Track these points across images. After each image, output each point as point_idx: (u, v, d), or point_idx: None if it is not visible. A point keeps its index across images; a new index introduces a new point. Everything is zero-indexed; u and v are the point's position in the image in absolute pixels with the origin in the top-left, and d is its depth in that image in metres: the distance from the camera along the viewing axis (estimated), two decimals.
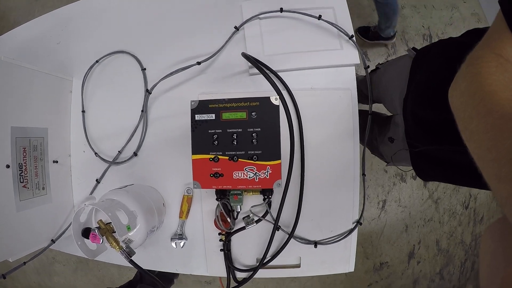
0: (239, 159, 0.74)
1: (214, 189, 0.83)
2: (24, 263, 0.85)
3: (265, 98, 0.74)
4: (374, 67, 1.19)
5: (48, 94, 0.99)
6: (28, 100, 0.89)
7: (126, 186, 0.93)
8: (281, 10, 0.91)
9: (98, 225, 0.74)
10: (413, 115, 0.81)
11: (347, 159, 0.87)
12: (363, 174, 0.89)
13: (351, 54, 0.89)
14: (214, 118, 0.77)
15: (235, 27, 0.94)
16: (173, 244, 0.97)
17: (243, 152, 0.74)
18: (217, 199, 0.85)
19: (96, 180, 1.01)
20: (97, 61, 1.06)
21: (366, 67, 0.91)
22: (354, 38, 0.89)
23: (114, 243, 0.72)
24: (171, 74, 0.92)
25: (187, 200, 0.94)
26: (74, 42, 1.11)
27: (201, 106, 0.78)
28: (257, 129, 0.74)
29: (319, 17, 0.89)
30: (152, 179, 0.99)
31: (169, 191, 0.97)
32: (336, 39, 0.90)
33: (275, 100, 0.74)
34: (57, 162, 0.99)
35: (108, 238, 0.72)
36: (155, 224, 0.89)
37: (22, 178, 0.86)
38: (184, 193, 0.95)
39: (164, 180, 0.98)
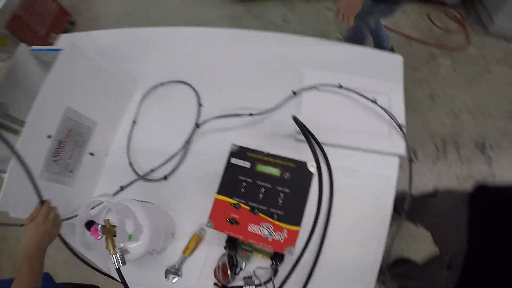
0: (259, 213, 0.73)
1: (225, 236, 0.81)
2: (22, 225, 0.85)
3: (302, 162, 0.75)
4: (432, 192, 1.16)
5: (110, 94, 1.11)
6: (91, 92, 1.02)
7: (146, 202, 0.95)
8: (340, 86, 0.95)
9: (103, 223, 0.75)
10: None
11: (369, 253, 0.82)
12: (383, 272, 0.82)
13: (398, 144, 0.88)
14: (248, 166, 0.78)
15: (294, 92, 0.99)
16: (166, 277, 0.94)
17: (265, 208, 0.73)
18: (225, 248, 0.83)
19: (121, 186, 1.05)
20: (162, 84, 1.17)
21: (410, 160, 0.89)
22: (404, 130, 0.89)
23: (111, 246, 0.72)
24: (223, 116, 0.97)
25: (197, 239, 0.93)
26: (146, 59, 1.26)
27: (240, 152, 0.80)
28: (286, 190, 0.74)
29: (375, 101, 0.91)
30: (172, 206, 0.99)
31: (183, 224, 0.97)
32: (385, 126, 0.91)
33: (311, 166, 0.75)
34: (93, 155, 1.06)
35: (107, 238, 0.73)
36: (157, 248, 0.89)
37: (56, 153, 0.93)
38: (196, 231, 0.94)
39: (182, 212, 0.98)
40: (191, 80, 1.16)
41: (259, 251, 0.81)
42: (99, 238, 0.74)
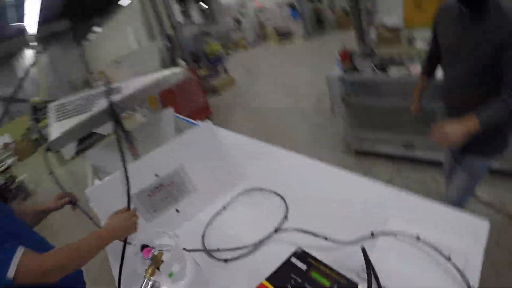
0: None
1: None
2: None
3: (354, 283, 0.72)
4: None
5: (217, 175, 1.45)
6: (205, 166, 1.42)
7: (198, 265, 1.00)
8: (418, 237, 0.91)
9: (156, 252, 0.86)
10: None
11: None
12: None
13: None
14: (304, 269, 0.79)
15: (372, 233, 0.99)
16: None
17: None
18: None
19: (184, 248, 1.10)
20: (261, 189, 1.38)
21: None
22: None
23: (150, 272, 0.82)
24: (301, 231, 1.06)
25: None
26: (259, 165, 1.59)
27: (302, 255, 0.83)
28: None
29: (449, 259, 0.83)
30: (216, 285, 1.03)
31: None
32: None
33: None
34: (178, 211, 1.32)
35: (151, 265, 0.84)
36: None
37: (153, 191, 1.29)
38: None
39: None
40: (285, 195, 1.34)
41: None
42: (147, 258, 0.85)
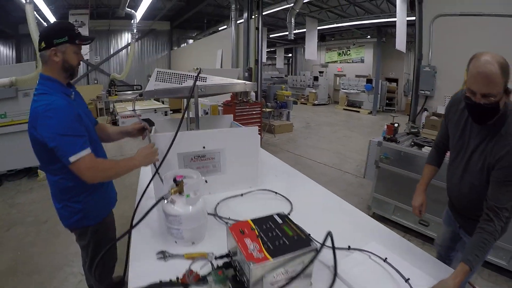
0: (259, 238, 0.99)
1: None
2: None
3: (310, 239, 1.00)
4: None
5: (243, 171, 1.80)
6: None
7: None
8: (385, 259, 1.17)
9: (181, 179, 1.25)
10: None
11: None
12: None
13: None
14: (280, 222, 1.08)
15: (349, 247, 1.27)
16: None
17: (265, 239, 0.99)
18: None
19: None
20: (276, 193, 1.67)
21: None
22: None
23: (173, 191, 1.23)
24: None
25: (202, 254, 1.20)
26: (276, 175, 1.85)
27: (284, 216, 1.13)
28: (285, 241, 0.97)
29: (407, 280, 1.07)
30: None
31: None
32: None
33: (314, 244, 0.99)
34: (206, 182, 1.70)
35: (176, 187, 1.24)
36: (186, 227, 1.25)
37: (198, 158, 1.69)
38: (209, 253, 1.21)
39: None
40: (294, 201, 1.70)
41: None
42: (177, 180, 1.24)
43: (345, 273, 1.11)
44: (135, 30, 11.05)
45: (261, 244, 0.95)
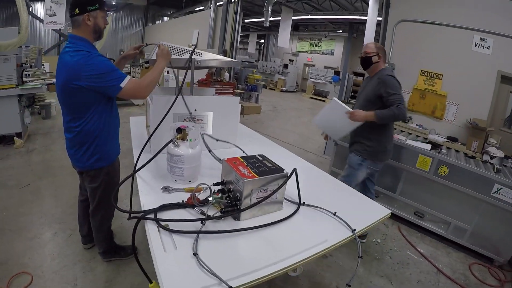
0: (248, 166, 1.35)
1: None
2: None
3: (283, 169, 1.39)
4: None
5: (225, 131, 2.06)
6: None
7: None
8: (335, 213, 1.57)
9: (185, 128, 1.58)
10: None
11: None
12: None
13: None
14: (260, 159, 1.47)
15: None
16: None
17: (252, 166, 1.37)
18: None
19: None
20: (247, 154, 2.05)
21: None
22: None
23: (179, 137, 1.56)
24: None
25: (199, 188, 1.53)
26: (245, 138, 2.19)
27: (263, 156, 1.51)
28: (267, 168, 1.37)
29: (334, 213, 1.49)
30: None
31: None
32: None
33: (284, 173, 1.38)
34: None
35: (180, 134, 1.56)
36: (186, 165, 1.59)
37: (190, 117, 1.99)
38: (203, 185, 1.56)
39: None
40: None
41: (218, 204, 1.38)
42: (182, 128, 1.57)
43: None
44: (113, 2, 10.76)
45: (250, 169, 1.34)
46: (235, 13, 8.05)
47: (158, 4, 15.93)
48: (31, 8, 12.95)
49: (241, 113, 8.33)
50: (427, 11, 4.04)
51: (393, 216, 3.43)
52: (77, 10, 1.68)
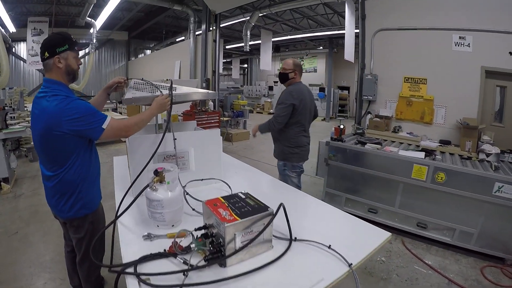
0: (229, 208, 1.26)
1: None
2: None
3: (268, 207, 1.30)
4: None
5: (207, 167, 1.99)
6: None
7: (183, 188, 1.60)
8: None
9: (162, 170, 1.49)
10: None
11: None
12: None
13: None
14: (243, 197, 1.37)
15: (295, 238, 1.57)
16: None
17: (233, 208, 1.28)
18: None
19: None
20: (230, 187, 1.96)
21: None
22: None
23: (155, 180, 1.46)
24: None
25: (182, 233, 1.42)
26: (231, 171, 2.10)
27: (246, 194, 1.42)
28: (249, 209, 1.26)
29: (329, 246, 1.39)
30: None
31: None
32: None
33: (270, 211, 1.29)
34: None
35: (157, 177, 1.46)
36: (165, 210, 1.49)
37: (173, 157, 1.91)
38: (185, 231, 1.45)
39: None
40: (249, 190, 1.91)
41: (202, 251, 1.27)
42: (159, 171, 1.48)
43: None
44: (94, 40, 10.89)
45: (231, 211, 1.24)
46: (214, 40, 8.15)
47: (139, 38, 16.15)
48: (14, 48, 13.04)
49: (230, 141, 8.42)
50: (403, 18, 4.11)
51: (395, 230, 3.35)
52: (46, 54, 1.64)
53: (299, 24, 12.20)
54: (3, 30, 9.56)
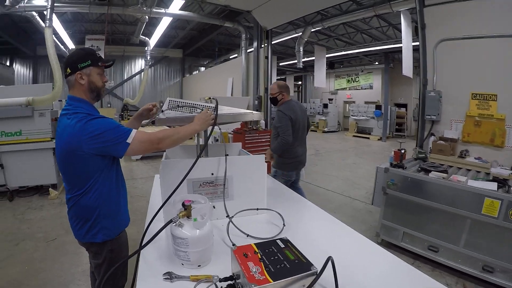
0: (261, 262, 1.02)
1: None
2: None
3: (310, 263, 1.03)
4: None
5: (249, 195, 1.78)
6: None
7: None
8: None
9: (190, 203, 1.31)
10: None
11: None
12: None
13: None
14: (282, 246, 1.12)
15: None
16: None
17: (267, 262, 1.04)
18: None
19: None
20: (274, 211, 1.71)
21: None
22: None
23: (181, 215, 1.28)
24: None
25: (207, 276, 1.21)
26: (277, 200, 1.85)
27: (286, 240, 1.16)
28: (287, 265, 1.00)
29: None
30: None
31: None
32: None
33: (312, 268, 1.01)
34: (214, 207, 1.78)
35: (183, 212, 1.28)
36: (193, 249, 1.30)
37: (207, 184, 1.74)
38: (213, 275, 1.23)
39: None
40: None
41: None
42: (186, 204, 1.30)
43: None
44: (148, 57, 11.52)
45: (263, 267, 0.99)
46: (266, 57, 8.06)
47: (194, 55, 16.79)
48: None
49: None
50: (468, 25, 3.58)
51: (457, 272, 2.89)
52: (68, 70, 1.54)
53: (353, 39, 11.75)
54: (62, 47, 10.50)
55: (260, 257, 1.05)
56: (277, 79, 8.53)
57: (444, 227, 2.92)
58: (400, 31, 5.44)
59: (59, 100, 5.99)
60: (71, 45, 11.06)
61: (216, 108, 1.76)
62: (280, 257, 1.06)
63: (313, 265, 1.03)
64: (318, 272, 1.00)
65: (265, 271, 0.97)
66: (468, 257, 2.82)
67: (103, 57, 1.65)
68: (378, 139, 12.70)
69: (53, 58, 4.86)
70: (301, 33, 8.73)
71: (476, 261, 2.77)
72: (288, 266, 1.01)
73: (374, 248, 1.61)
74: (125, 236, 1.83)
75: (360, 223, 4.11)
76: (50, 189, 4.94)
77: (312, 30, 8.62)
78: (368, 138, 13.06)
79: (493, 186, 2.72)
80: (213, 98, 1.92)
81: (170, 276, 1.25)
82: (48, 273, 2.88)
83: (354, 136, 13.78)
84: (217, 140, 6.81)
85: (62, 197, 4.94)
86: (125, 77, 15.99)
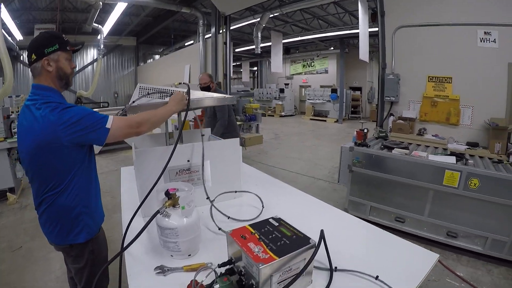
0: (261, 241, 1.03)
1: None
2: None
3: (308, 237, 1.06)
4: None
5: (224, 180, 1.79)
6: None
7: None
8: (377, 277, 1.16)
9: (174, 191, 1.27)
10: None
11: None
12: None
13: None
14: (276, 224, 1.13)
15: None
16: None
17: (267, 241, 1.04)
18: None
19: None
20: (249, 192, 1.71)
21: None
22: None
23: (167, 204, 1.23)
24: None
25: (202, 265, 1.21)
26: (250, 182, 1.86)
27: (278, 219, 1.18)
28: (286, 241, 1.01)
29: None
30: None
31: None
32: None
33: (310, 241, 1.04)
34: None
35: (169, 201, 1.25)
36: (181, 239, 1.26)
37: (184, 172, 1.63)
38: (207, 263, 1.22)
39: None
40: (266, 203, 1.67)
41: None
42: (171, 193, 1.26)
43: None
44: (101, 46, 10.82)
45: (265, 246, 1.00)
46: (225, 43, 7.95)
47: (148, 43, 16.07)
48: (21, 56, 13.04)
49: (243, 145, 8.15)
50: (424, 13, 3.84)
51: (424, 240, 3.12)
52: (33, 56, 1.37)
53: (310, 25, 11.94)
54: (10, 38, 9.53)
55: (258, 237, 1.05)
56: (233, 65, 8.46)
57: (408, 199, 3.14)
58: (357, 17, 5.63)
59: (9, 97, 5.42)
60: (19, 36, 10.07)
61: (188, 91, 1.71)
62: (277, 234, 1.07)
63: (310, 238, 1.06)
64: (316, 244, 1.03)
65: (267, 249, 0.98)
66: (433, 225, 3.07)
67: None
68: (335, 122, 13.20)
69: (2, 50, 4.38)
70: (259, 19, 8.69)
71: (441, 228, 3.04)
72: (288, 242, 1.02)
73: (351, 219, 1.74)
74: (103, 234, 1.73)
75: (327, 201, 4.27)
76: (7, 193, 4.48)
77: (270, 15, 8.62)
78: (325, 120, 13.51)
79: (452, 159, 2.97)
80: (183, 83, 1.87)
81: (162, 270, 1.21)
82: (19, 285, 2.66)
83: (311, 119, 14.18)
84: (177, 129, 6.65)
85: (21, 201, 4.55)
86: (77, 68, 14.89)
